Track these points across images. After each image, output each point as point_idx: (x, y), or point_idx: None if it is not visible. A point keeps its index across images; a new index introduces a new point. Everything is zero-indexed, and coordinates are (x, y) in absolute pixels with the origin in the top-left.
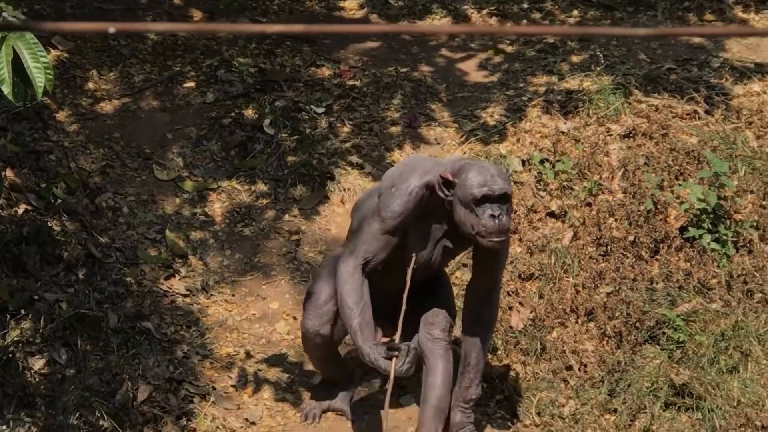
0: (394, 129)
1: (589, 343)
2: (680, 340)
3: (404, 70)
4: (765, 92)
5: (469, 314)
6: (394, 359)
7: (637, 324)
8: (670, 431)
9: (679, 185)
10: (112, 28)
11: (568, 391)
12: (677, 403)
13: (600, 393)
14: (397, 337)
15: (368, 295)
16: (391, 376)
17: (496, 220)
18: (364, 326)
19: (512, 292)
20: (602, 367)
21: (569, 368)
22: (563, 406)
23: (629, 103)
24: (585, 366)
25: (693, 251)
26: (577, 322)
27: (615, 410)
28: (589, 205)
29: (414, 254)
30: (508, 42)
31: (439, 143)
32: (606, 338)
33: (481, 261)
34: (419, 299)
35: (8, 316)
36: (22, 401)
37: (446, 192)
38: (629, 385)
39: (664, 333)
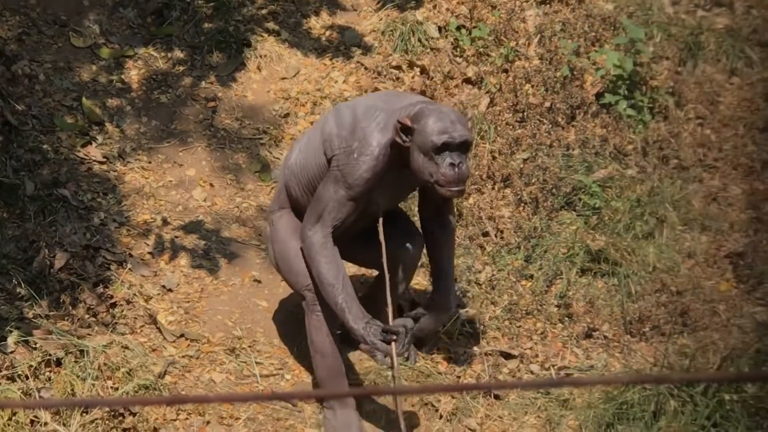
0: None
1: (505, 209)
2: (596, 206)
3: None
4: None
5: (429, 223)
6: (393, 344)
7: (554, 190)
8: (586, 297)
9: (596, 51)
10: None
11: (484, 257)
12: (593, 268)
13: (516, 259)
14: (389, 315)
15: (343, 265)
16: (394, 362)
17: (456, 169)
18: (350, 302)
19: None
20: (518, 233)
21: (486, 234)
22: (480, 272)
23: None
24: (501, 232)
25: (609, 117)
26: (493, 188)
27: (531, 276)
28: (505, 71)
29: (381, 219)
30: None
31: (355, 10)
32: (522, 204)
33: (434, 200)
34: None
35: None
36: None
37: (404, 138)
38: (545, 251)
39: (580, 199)
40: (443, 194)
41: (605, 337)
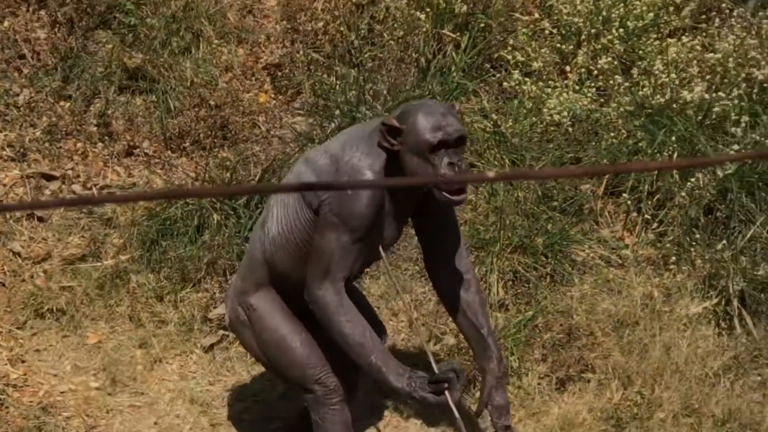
0: None
1: (41, 31)
2: (132, 23)
3: None
4: None
5: (449, 286)
6: (447, 393)
7: (88, 9)
8: (125, 115)
9: None
10: None
11: (22, 80)
12: (131, 86)
13: (54, 80)
14: (432, 363)
15: (365, 320)
16: (455, 413)
17: (456, 168)
18: (385, 358)
19: None
20: (55, 54)
21: (22, 57)
22: (18, 95)
23: None
24: (38, 54)
25: None
26: (28, 10)
27: (70, 96)
28: None
29: (381, 245)
30: None
31: None
32: (58, 25)
33: (436, 221)
34: None
35: None
36: None
37: (392, 141)
38: (83, 71)
39: (115, 18)
40: (444, 201)
41: (146, 154)
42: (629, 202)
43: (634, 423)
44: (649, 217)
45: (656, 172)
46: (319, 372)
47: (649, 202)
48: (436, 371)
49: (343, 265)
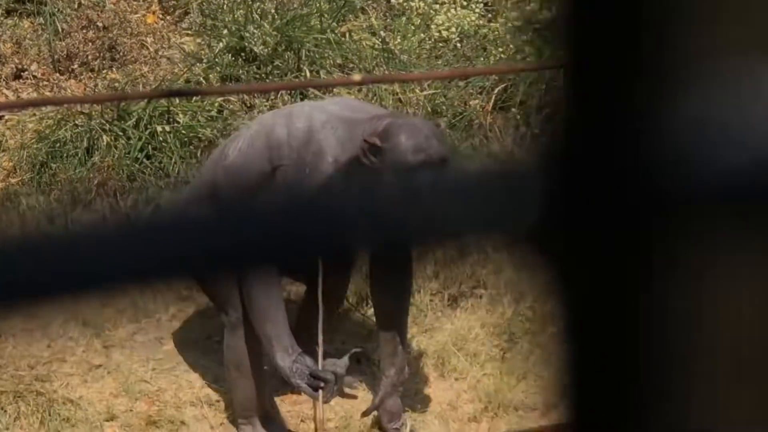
0: None
1: None
2: None
3: None
4: None
5: (380, 282)
6: (320, 392)
7: None
8: (13, 38)
9: None
10: None
11: None
12: (19, 9)
13: None
14: (319, 356)
15: (280, 287)
16: (318, 412)
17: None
18: (280, 333)
19: None
20: None
21: None
22: None
23: None
24: None
25: None
26: None
27: None
28: None
29: None
30: None
31: None
32: None
33: None
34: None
35: None
36: None
37: (372, 159)
38: None
39: None
40: None
41: (34, 76)
42: (518, 116)
43: (526, 338)
44: (537, 131)
45: (544, 86)
46: (234, 299)
47: (538, 117)
48: (320, 366)
49: None
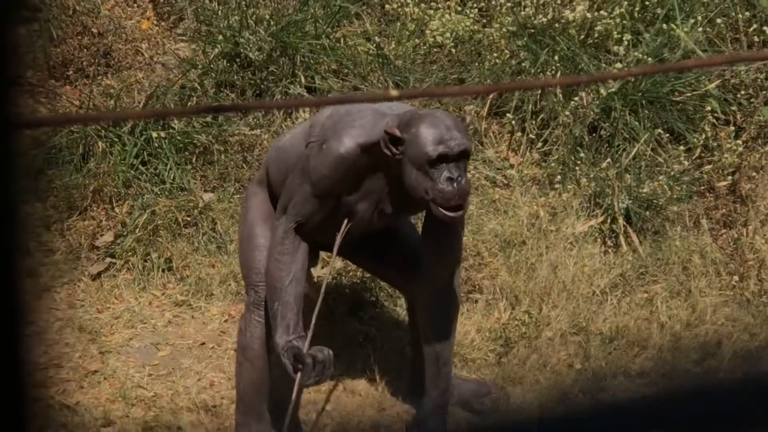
0: None
1: None
2: None
3: None
4: None
5: (427, 305)
6: (299, 373)
7: None
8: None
9: None
10: None
11: None
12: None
13: None
14: (307, 341)
15: (301, 265)
16: (293, 393)
17: (455, 184)
18: (287, 313)
19: None
20: None
21: None
22: None
23: None
24: None
25: None
26: None
27: None
28: None
29: (346, 220)
30: None
31: None
32: None
33: (435, 233)
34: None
35: None
36: None
37: (393, 150)
38: None
39: None
40: (440, 216)
41: (30, 83)
42: (513, 122)
43: (522, 342)
44: (533, 137)
45: (539, 92)
46: (258, 280)
47: (533, 122)
48: (304, 350)
49: (299, 210)
